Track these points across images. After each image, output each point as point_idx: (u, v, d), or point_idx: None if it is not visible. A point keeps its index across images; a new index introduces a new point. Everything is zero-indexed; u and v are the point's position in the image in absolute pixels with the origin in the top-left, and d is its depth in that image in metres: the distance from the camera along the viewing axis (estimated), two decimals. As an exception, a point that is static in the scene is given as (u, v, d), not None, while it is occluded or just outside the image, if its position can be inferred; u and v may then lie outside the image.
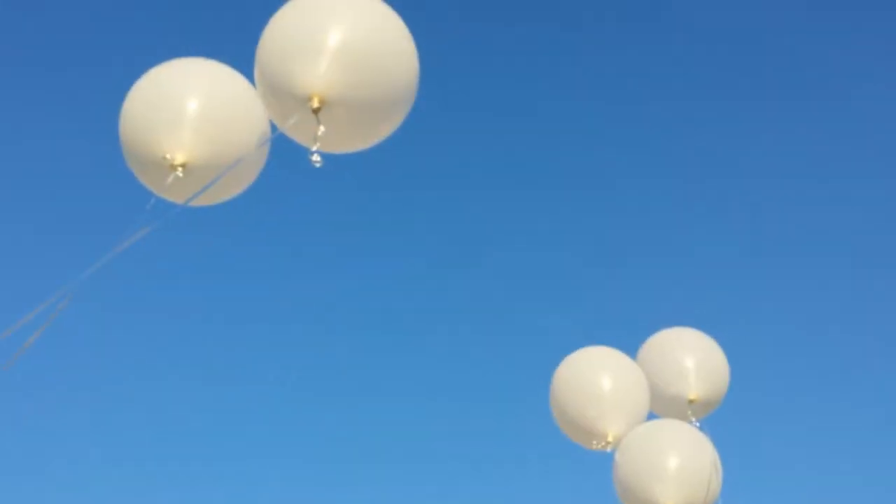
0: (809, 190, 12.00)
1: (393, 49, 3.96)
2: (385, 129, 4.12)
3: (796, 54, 11.94)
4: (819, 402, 11.03)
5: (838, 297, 11.60)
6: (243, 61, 4.07)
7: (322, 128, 3.83)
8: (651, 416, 5.76)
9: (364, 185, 11.40)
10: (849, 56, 11.87)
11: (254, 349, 11.66)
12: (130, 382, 10.99)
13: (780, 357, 11.12)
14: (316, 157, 3.87)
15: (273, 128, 4.09)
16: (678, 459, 5.30)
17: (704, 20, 12.00)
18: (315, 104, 3.79)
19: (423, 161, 11.85)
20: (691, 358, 5.96)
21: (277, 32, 3.98)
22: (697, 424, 5.69)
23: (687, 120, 12.20)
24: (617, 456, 5.49)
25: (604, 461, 5.57)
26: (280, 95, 3.91)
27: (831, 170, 11.90)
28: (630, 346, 6.06)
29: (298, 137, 4.00)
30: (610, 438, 5.52)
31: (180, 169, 3.89)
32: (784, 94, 12.08)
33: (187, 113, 3.93)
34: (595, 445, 5.59)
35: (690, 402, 5.83)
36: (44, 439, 10.52)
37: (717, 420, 5.89)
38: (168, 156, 3.89)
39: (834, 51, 11.90)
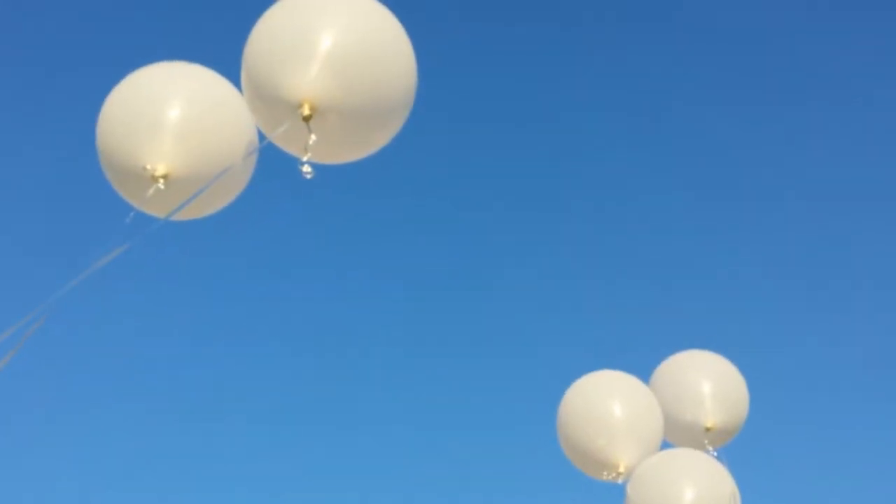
0: (828, 203, 11.74)
1: (389, 52, 3.78)
2: (381, 138, 3.95)
3: (799, 55, 11.74)
4: (843, 429, 10.77)
5: (863, 319, 11.34)
6: (229, 65, 3.91)
7: (313, 136, 3.66)
8: (665, 444, 5.59)
9: (358, 196, 11.24)
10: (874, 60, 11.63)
11: (244, 366, 11.49)
12: (109, 403, 10.83)
13: (801, 382, 10.88)
14: (307, 168, 3.71)
15: (261, 136, 3.93)
16: (694, 491, 5.10)
17: (709, 20, 11.80)
18: (306, 111, 3.62)
19: (421, 169, 11.67)
20: (708, 383, 5.81)
21: (266, 34, 3.80)
22: (714, 454, 5.54)
23: (698, 126, 11.96)
24: (629, 487, 5.30)
25: (615, 493, 5.41)
26: (268, 102, 3.73)
27: (855, 181, 11.62)
28: (643, 371, 5.91)
29: (288, 147, 3.83)
30: (621, 469, 5.35)
31: (162, 181, 3.72)
32: (799, 99, 11.86)
33: (169, 121, 3.76)
34: (605, 476, 5.42)
35: (707, 429, 5.68)
36: (17, 458, 10.36)
37: (735, 449, 5.76)
38: (148, 167, 3.72)
39: (853, 55, 11.67)
